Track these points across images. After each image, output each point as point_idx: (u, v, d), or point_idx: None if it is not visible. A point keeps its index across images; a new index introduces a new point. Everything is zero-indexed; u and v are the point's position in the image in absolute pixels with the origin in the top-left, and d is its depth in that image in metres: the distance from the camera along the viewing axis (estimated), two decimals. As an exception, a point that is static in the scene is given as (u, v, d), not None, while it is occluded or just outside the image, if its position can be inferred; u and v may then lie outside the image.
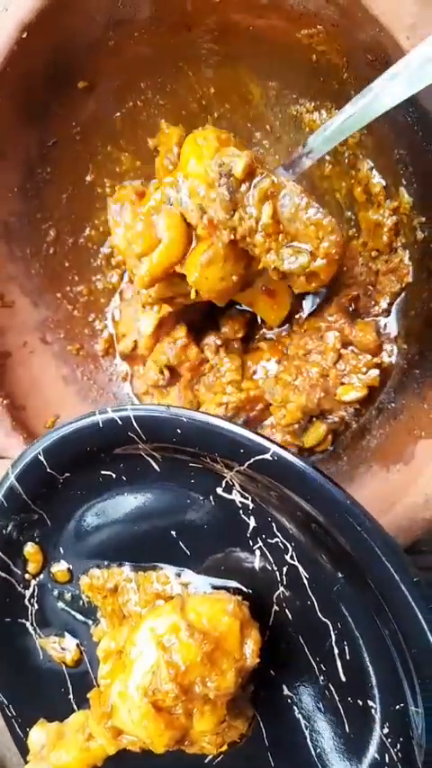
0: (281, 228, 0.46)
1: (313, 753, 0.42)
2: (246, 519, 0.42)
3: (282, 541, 0.41)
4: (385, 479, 0.52)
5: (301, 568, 0.41)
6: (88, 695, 0.42)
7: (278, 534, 0.41)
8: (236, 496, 0.42)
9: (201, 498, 0.43)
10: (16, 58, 0.50)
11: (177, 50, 0.55)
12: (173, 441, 0.39)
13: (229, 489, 0.42)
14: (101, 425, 0.40)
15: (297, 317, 0.60)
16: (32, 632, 0.46)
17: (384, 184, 0.54)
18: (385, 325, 0.56)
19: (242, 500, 0.41)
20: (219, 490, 0.42)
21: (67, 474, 0.43)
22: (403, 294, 0.55)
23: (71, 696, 0.47)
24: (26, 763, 0.44)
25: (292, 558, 0.41)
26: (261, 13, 0.50)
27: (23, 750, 0.45)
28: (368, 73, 0.47)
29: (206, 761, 0.43)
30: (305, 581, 0.41)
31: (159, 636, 0.37)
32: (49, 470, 0.42)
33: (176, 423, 0.38)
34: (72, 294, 0.64)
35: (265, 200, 0.45)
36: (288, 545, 0.41)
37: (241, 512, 0.42)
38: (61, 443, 0.41)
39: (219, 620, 0.38)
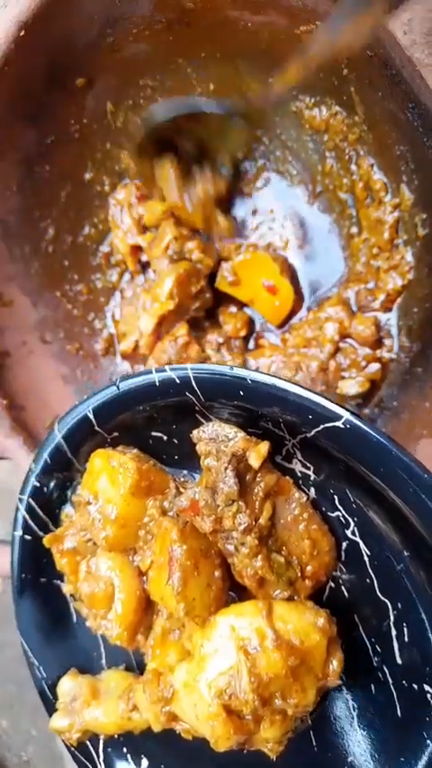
0: (272, 532, 0.40)
1: (359, 733, 0.40)
2: (305, 490, 0.40)
3: (343, 515, 0.39)
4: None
5: (362, 544, 0.39)
6: (146, 673, 0.40)
7: (339, 508, 0.39)
8: (296, 466, 0.40)
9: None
10: (14, 57, 0.49)
11: (176, 47, 0.55)
12: (233, 403, 0.37)
13: (289, 458, 0.40)
14: (157, 384, 0.38)
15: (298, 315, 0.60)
16: (68, 595, 0.45)
17: (385, 181, 0.54)
18: (386, 320, 0.56)
19: (303, 470, 0.39)
20: (277, 458, 0.40)
21: (116, 433, 0.41)
22: (405, 291, 0.55)
23: (103, 660, 0.45)
24: (53, 712, 0.43)
25: (353, 533, 0.39)
26: (259, 9, 0.50)
27: (52, 711, 0.44)
28: (367, 68, 0.47)
29: None
30: (366, 558, 0.39)
31: (242, 638, 0.36)
32: (97, 428, 0.41)
33: (239, 384, 0.36)
34: (71, 293, 0.63)
35: (267, 498, 0.39)
36: (350, 519, 0.39)
37: (301, 482, 0.40)
38: (114, 402, 0.39)
39: (307, 634, 0.36)
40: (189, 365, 0.37)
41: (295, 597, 0.39)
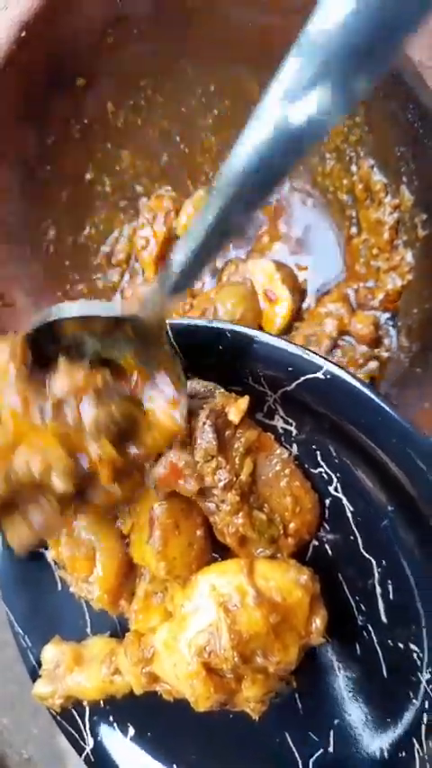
0: (254, 489, 0.39)
1: (345, 695, 0.39)
2: (287, 446, 0.39)
3: (326, 471, 0.38)
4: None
5: (345, 500, 0.38)
6: (127, 635, 0.40)
7: (322, 464, 0.38)
8: (278, 422, 0.39)
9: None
10: (15, 57, 0.49)
11: (177, 48, 0.55)
12: (212, 358, 0.36)
13: (270, 414, 0.39)
14: None
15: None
16: (52, 562, 0.44)
17: (385, 182, 0.54)
18: (386, 319, 0.56)
19: (285, 426, 0.39)
20: (259, 415, 0.39)
21: None
22: (404, 291, 0.55)
23: (89, 629, 0.45)
24: (36, 679, 0.43)
25: (336, 489, 0.38)
26: (261, 9, 0.50)
27: (36, 679, 0.43)
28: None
29: None
30: (349, 514, 0.38)
31: (222, 596, 0.35)
32: None
33: (218, 338, 0.35)
34: (73, 293, 0.63)
35: (248, 455, 0.38)
36: (333, 475, 0.38)
37: (283, 438, 0.39)
38: None
39: (290, 591, 0.35)
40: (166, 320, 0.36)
41: (278, 555, 0.38)
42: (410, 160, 0.50)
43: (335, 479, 0.38)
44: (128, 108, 0.59)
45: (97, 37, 0.53)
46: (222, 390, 0.37)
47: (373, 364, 0.54)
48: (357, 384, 0.33)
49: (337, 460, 0.38)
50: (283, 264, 0.59)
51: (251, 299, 0.57)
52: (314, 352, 0.34)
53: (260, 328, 0.58)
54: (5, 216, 0.57)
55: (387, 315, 0.55)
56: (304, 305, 0.60)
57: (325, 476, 0.38)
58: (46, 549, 0.44)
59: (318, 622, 0.36)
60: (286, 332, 0.59)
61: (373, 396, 0.33)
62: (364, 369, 0.54)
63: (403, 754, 0.37)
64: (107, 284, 0.65)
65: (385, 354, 0.55)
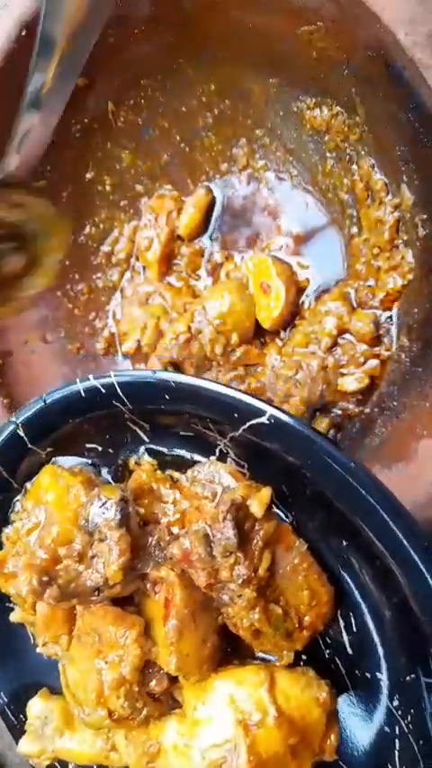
0: (270, 582, 0.38)
1: None
2: (302, 534, 0.39)
3: (282, 511, 0.39)
4: (387, 478, 0.51)
5: (300, 540, 0.38)
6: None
7: (278, 504, 0.39)
8: (231, 465, 0.40)
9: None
10: (16, 56, 0.50)
11: (177, 48, 0.55)
12: (161, 407, 0.37)
13: (223, 458, 0.40)
14: (83, 394, 0.38)
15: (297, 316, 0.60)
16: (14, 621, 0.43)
17: (386, 181, 0.54)
18: (386, 318, 0.56)
19: (237, 469, 0.39)
20: (212, 458, 0.40)
21: (50, 449, 0.41)
22: (405, 291, 0.55)
23: None
24: (13, 730, 0.42)
25: (292, 523, 0.39)
26: (261, 9, 0.50)
27: (11, 728, 0.42)
28: (369, 69, 0.47)
29: None
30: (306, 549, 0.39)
31: (242, 711, 0.34)
32: (29, 446, 0.40)
33: (164, 388, 0.36)
34: (72, 292, 0.64)
35: (266, 547, 0.37)
36: (288, 514, 0.39)
37: None
38: (41, 415, 0.39)
39: (309, 709, 0.35)
40: (113, 372, 0.37)
41: (297, 661, 0.38)
42: (410, 159, 0.50)
43: (290, 517, 0.39)
44: (128, 107, 0.59)
45: (98, 37, 0.53)
46: (244, 481, 0.37)
47: (372, 363, 0.54)
48: (302, 428, 0.34)
49: (290, 499, 0.38)
50: (280, 260, 0.59)
51: (242, 292, 0.58)
52: (257, 397, 0.35)
53: (255, 321, 0.59)
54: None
55: (387, 314, 0.55)
56: (305, 303, 0.60)
57: (279, 512, 0.39)
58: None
59: (332, 738, 0.36)
60: (286, 326, 0.59)
61: (317, 439, 0.34)
62: (364, 367, 0.55)
63: None
64: (107, 284, 0.65)
65: (385, 353, 0.55)
